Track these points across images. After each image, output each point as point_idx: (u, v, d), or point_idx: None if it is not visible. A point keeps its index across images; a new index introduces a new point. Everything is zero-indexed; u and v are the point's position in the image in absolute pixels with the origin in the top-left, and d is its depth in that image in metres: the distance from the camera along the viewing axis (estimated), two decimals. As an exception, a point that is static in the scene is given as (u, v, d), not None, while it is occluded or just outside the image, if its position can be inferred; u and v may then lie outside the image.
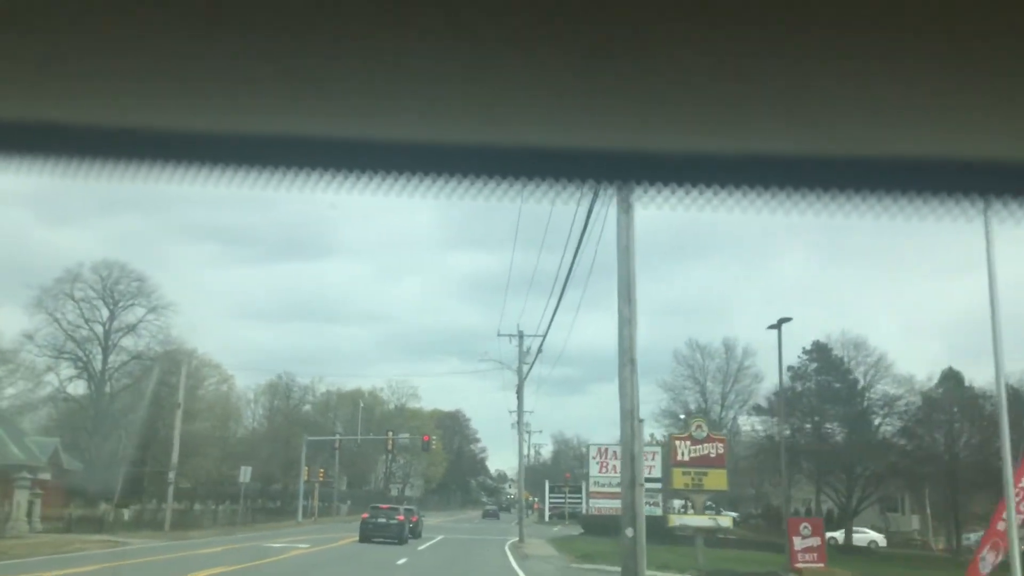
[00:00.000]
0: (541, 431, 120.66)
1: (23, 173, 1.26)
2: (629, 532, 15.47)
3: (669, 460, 33.25)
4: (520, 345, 48.49)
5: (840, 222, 1.24)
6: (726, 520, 34.63)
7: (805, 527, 22.48)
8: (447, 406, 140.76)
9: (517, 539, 50.42)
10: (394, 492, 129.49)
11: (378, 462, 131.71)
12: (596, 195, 1.32)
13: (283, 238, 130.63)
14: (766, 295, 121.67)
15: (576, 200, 1.27)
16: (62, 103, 1.20)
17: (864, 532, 63.55)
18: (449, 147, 1.21)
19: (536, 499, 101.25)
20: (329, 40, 1.04)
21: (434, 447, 68.58)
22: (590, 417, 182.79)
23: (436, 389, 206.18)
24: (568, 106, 1.14)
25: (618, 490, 56.47)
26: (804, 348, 77.64)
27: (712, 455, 33.36)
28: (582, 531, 56.78)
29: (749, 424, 72.14)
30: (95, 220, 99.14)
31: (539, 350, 44.60)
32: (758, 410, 73.32)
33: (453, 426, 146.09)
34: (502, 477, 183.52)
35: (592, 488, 56.18)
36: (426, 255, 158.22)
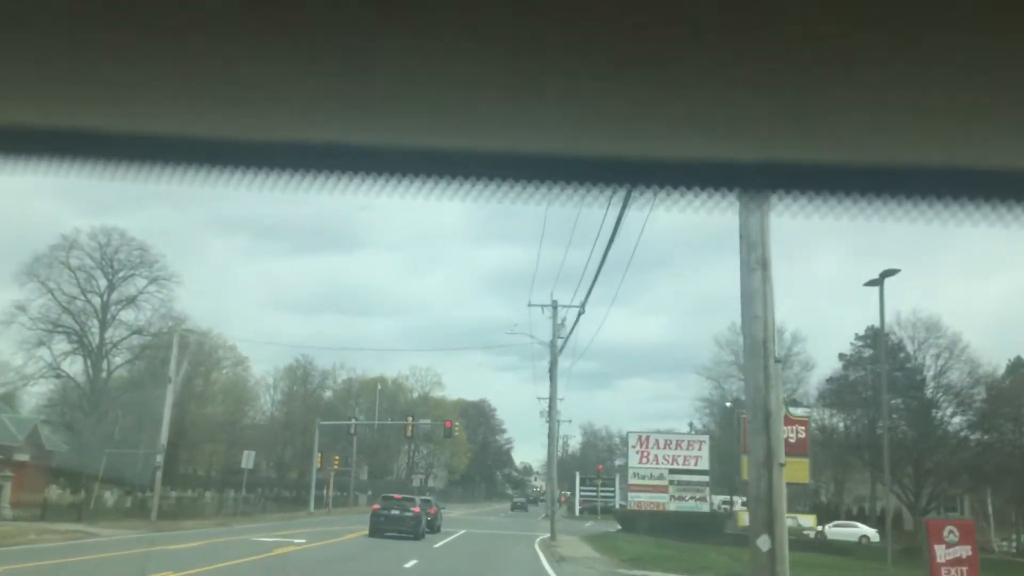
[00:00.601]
0: (571, 420, 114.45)
1: (60, 175, 1.29)
2: (764, 543, 9.20)
3: (739, 446, 27.00)
4: (554, 316, 42.39)
5: (878, 223, 1.25)
6: (808, 519, 28.16)
7: (951, 532, 16.38)
8: (472, 397, 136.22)
9: (548, 536, 44.37)
10: (416, 483, 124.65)
11: (400, 452, 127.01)
12: (627, 200, 1.39)
13: (313, 232, 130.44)
14: (807, 288, 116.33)
15: (601, 203, 1.32)
16: (94, 109, 1.22)
17: (854, 526, 56.37)
18: (481, 153, 1.24)
19: (566, 492, 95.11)
20: (356, 47, 1.07)
21: (456, 434, 62.67)
22: (618, 412, 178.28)
23: (462, 380, 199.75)
24: (587, 113, 1.16)
25: (660, 483, 50.09)
26: (857, 334, 71.08)
27: (791, 440, 27.11)
28: (619, 528, 50.63)
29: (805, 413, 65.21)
30: (129, 212, 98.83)
31: (578, 316, 38.50)
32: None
33: (478, 416, 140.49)
34: (527, 470, 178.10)
35: (631, 480, 50.03)
36: (454, 249, 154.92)
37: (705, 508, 49.76)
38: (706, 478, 49.91)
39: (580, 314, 39.95)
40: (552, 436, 42.19)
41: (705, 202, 1.25)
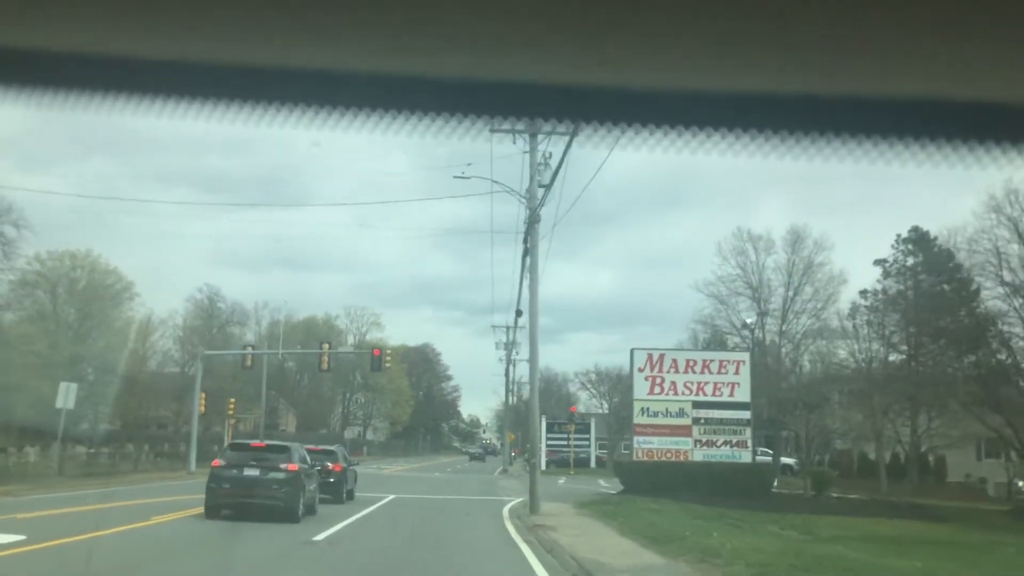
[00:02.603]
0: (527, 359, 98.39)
1: None
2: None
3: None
4: (532, 152, 25.18)
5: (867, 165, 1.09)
6: None
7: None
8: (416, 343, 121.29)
9: (521, 501, 27.55)
10: (354, 435, 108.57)
11: (336, 402, 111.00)
12: (574, 135, 1.13)
13: (259, 186, 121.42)
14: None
15: (555, 137, 1.18)
16: (27, 29, 1.11)
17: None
18: (430, 80, 1.12)
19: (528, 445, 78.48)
20: None
21: (388, 365, 46.02)
22: (567, 363, 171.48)
23: (406, 333, 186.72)
24: (545, 35, 1.04)
25: (681, 421, 31.08)
26: (899, 235, 54.84)
27: None
28: (622, 488, 33.83)
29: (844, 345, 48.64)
30: (71, 166, 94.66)
31: (567, 147, 21.47)
32: (847, 328, 50.19)
33: (422, 362, 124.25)
34: (475, 422, 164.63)
35: (637, 419, 33.16)
36: (402, 205, 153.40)
37: (745, 457, 33.17)
38: (747, 414, 33.25)
39: (569, 145, 22.74)
40: (534, 340, 25.02)
41: (686, 141, 1.10)
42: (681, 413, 32.92)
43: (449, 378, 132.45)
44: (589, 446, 61.33)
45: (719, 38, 0.99)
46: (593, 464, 61.03)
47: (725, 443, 32.82)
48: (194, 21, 1.04)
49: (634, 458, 33.17)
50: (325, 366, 46.42)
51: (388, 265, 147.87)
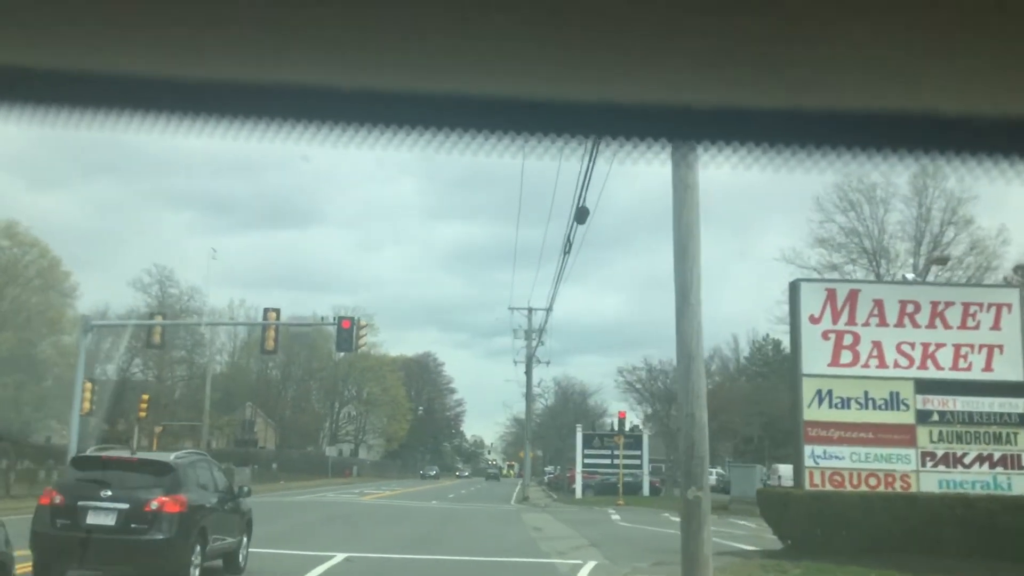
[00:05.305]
0: (549, 362, 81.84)
1: None
2: None
3: None
4: None
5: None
6: None
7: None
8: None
9: (596, 570, 11.40)
10: (343, 454, 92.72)
11: (325, 416, 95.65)
12: (593, 151, 0.98)
13: (265, 206, 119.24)
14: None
15: (567, 154, 1.14)
16: (28, 48, 1.07)
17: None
18: (441, 97, 1.08)
19: (558, 468, 61.26)
20: None
21: (363, 345, 30.61)
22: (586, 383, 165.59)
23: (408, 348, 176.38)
24: (567, 55, 1.01)
25: (897, 417, 16.53)
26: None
27: None
28: (782, 547, 17.46)
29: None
30: (77, 186, 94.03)
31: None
32: None
33: (422, 374, 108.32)
34: (479, 443, 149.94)
35: (808, 413, 17.04)
36: (409, 226, 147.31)
37: (991, 485, 16.89)
38: (1021, 404, 17.09)
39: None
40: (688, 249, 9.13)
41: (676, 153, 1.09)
42: (895, 401, 16.78)
43: (452, 391, 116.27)
44: (641, 467, 44.94)
45: (715, 52, 0.96)
46: (646, 491, 44.66)
47: (982, 459, 16.60)
48: (189, 38, 1.00)
49: (808, 485, 16.81)
50: (271, 345, 30.58)
51: (392, 285, 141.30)
